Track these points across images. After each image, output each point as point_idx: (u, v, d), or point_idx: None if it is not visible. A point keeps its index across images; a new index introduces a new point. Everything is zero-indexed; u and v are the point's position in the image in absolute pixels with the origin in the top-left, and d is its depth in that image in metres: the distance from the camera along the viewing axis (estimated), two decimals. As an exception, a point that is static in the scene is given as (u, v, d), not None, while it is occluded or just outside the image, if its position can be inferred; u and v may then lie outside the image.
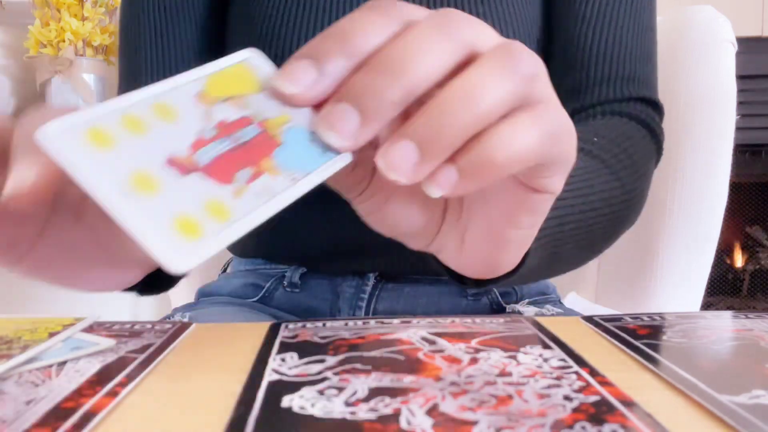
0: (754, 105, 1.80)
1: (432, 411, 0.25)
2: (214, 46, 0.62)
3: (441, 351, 0.32)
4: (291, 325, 0.37)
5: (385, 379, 0.28)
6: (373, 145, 0.28)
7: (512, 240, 0.33)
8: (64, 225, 0.31)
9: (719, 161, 0.75)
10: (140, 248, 0.22)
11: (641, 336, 0.35)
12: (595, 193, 0.48)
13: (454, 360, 0.31)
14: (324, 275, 0.65)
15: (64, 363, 0.31)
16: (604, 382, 0.28)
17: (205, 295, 0.68)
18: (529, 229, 0.33)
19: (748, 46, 1.25)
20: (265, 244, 0.68)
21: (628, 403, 0.25)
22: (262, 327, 0.37)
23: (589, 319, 0.39)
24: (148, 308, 1.90)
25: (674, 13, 0.78)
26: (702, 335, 0.35)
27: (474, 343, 0.33)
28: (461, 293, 0.63)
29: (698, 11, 0.76)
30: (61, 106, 0.32)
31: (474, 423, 0.24)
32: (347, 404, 0.25)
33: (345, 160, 0.29)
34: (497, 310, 0.63)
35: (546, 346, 0.33)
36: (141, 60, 0.59)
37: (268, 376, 0.29)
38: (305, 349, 0.32)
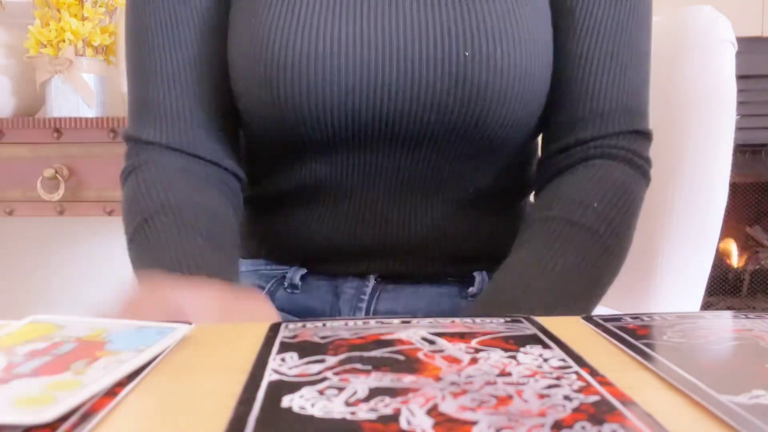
0: (754, 105, 1.80)
1: (432, 411, 0.25)
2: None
3: (441, 351, 0.32)
4: (291, 325, 0.37)
5: (385, 379, 0.28)
6: None
7: None
8: None
9: (719, 161, 0.75)
10: None
11: (641, 336, 0.35)
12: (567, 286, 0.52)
13: (454, 360, 0.31)
14: (324, 276, 0.65)
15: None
16: (604, 382, 0.28)
17: (205, 295, 0.68)
18: None
19: (748, 46, 1.25)
20: (266, 244, 0.68)
21: (628, 403, 0.25)
22: (262, 327, 0.37)
23: (589, 319, 0.39)
24: (148, 308, 1.90)
25: (674, 13, 0.78)
26: (702, 335, 0.35)
27: (474, 343, 0.33)
28: (461, 294, 0.63)
29: (698, 11, 0.76)
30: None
31: (474, 423, 0.24)
32: (347, 404, 0.25)
33: (184, 330, 0.35)
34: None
35: (546, 346, 0.33)
36: (152, 48, 0.60)
37: (268, 376, 0.29)
38: (305, 349, 0.32)
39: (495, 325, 0.37)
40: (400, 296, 0.63)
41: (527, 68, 0.56)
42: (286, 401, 0.26)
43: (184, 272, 0.50)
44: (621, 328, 0.37)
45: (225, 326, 0.40)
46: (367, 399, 0.26)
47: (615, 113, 0.59)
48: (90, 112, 1.40)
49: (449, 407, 0.25)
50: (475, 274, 0.63)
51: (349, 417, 0.24)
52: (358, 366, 0.30)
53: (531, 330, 0.36)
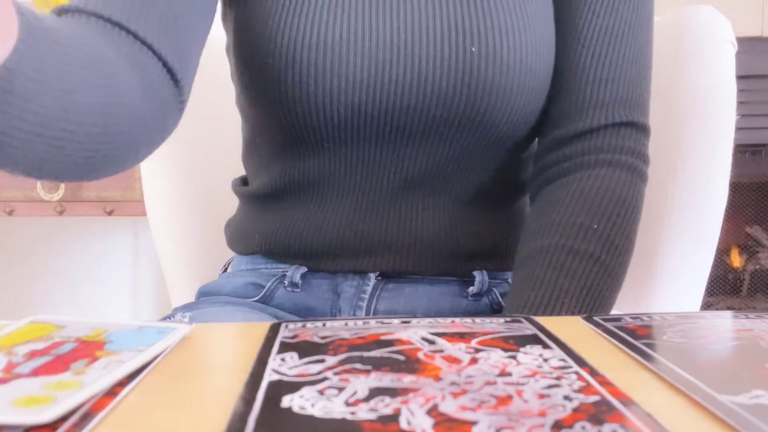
0: (754, 105, 1.80)
1: (432, 411, 0.25)
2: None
3: (441, 351, 0.32)
4: (291, 325, 0.37)
5: (385, 379, 0.28)
6: None
7: None
8: None
9: (719, 161, 0.75)
10: None
11: (641, 336, 0.35)
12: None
13: (454, 360, 0.31)
14: (324, 275, 0.65)
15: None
16: (604, 382, 0.28)
17: (205, 294, 0.68)
18: None
19: (748, 46, 1.25)
20: (266, 241, 0.68)
21: (628, 403, 0.25)
22: (262, 327, 0.37)
23: (589, 319, 0.39)
24: (148, 308, 1.90)
25: (674, 13, 0.78)
26: (702, 335, 0.35)
27: (474, 343, 0.33)
28: (461, 293, 0.64)
29: (698, 11, 0.76)
30: None
31: (474, 423, 0.24)
32: (347, 404, 0.25)
33: (185, 330, 0.35)
34: (497, 310, 0.63)
35: (546, 346, 0.33)
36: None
37: (268, 376, 0.29)
38: (305, 349, 0.32)
39: (495, 325, 0.37)
40: (401, 295, 0.63)
41: (532, 64, 0.57)
42: (286, 401, 0.26)
43: None
44: (621, 328, 0.37)
45: (225, 326, 0.40)
46: (367, 399, 0.26)
47: (612, 104, 0.59)
48: (90, 112, 1.40)
49: (449, 407, 0.25)
50: (475, 273, 0.63)
51: (349, 417, 0.24)
52: (358, 366, 0.30)
53: (531, 330, 0.36)
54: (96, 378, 0.28)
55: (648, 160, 0.61)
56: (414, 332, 0.35)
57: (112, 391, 0.28)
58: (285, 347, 0.33)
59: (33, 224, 1.84)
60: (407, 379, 0.28)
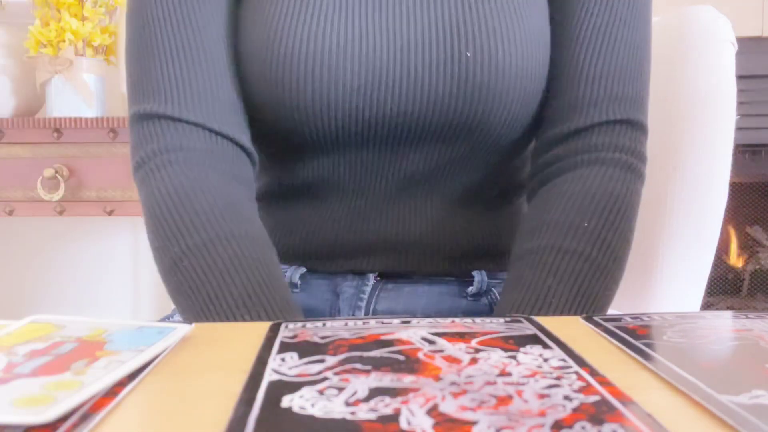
0: (754, 105, 1.80)
1: (432, 411, 0.25)
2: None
3: (441, 351, 0.32)
4: (291, 325, 0.37)
5: (385, 379, 0.28)
6: None
7: None
8: None
9: (719, 161, 0.75)
10: None
11: (641, 336, 0.35)
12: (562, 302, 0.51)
13: (454, 360, 0.31)
14: (324, 275, 0.65)
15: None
16: (604, 382, 0.28)
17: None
18: None
19: (748, 46, 1.25)
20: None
21: (628, 403, 0.25)
22: (262, 327, 0.37)
23: (589, 319, 0.39)
24: (148, 308, 1.90)
25: (674, 13, 0.78)
26: (702, 335, 0.35)
27: (474, 343, 0.33)
28: (461, 294, 0.64)
29: (698, 11, 0.76)
30: None
31: (474, 423, 0.24)
32: (347, 404, 0.25)
33: (185, 330, 0.35)
34: (496, 306, 0.63)
35: (546, 346, 0.33)
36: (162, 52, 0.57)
37: (268, 376, 0.29)
38: (305, 349, 0.32)
39: (495, 325, 0.37)
40: (400, 295, 0.63)
41: (528, 68, 0.57)
42: (286, 401, 0.26)
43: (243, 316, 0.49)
44: (621, 328, 0.37)
45: (225, 326, 0.40)
46: (367, 399, 0.26)
47: (606, 101, 0.58)
48: (90, 112, 1.41)
49: (449, 407, 0.25)
50: (474, 273, 0.63)
51: (349, 417, 0.24)
52: (358, 366, 0.30)
53: (531, 330, 0.36)
54: (96, 378, 0.28)
55: (645, 158, 0.60)
56: (414, 332, 0.35)
57: (112, 391, 0.28)
58: (285, 347, 0.33)
59: (33, 224, 1.83)
60: (407, 379, 0.28)
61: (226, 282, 0.50)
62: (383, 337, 0.34)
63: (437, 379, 0.28)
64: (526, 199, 0.64)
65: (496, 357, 0.31)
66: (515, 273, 0.55)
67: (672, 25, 0.76)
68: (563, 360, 0.31)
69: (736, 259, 2.12)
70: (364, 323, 0.37)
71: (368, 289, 0.63)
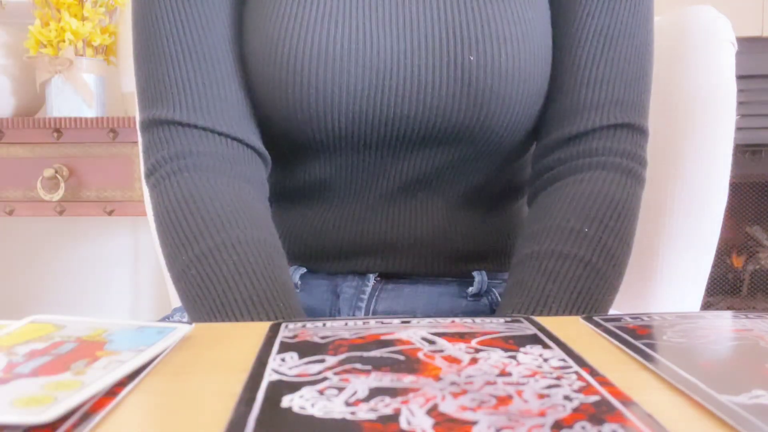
0: (754, 105, 1.80)
1: (432, 411, 0.25)
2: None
3: (441, 351, 0.32)
4: (291, 325, 0.37)
5: (385, 379, 0.28)
6: None
7: None
8: None
9: (719, 161, 0.75)
10: None
11: (641, 336, 0.35)
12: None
13: (454, 360, 0.31)
14: (324, 276, 0.65)
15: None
16: (604, 382, 0.28)
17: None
18: None
19: (748, 46, 1.25)
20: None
21: (628, 403, 0.25)
22: (262, 327, 0.37)
23: (589, 319, 0.39)
24: (148, 308, 1.90)
25: (674, 13, 0.78)
26: (702, 335, 0.35)
27: (474, 343, 0.33)
28: (461, 294, 0.64)
29: (698, 11, 0.76)
30: None
31: (474, 423, 0.24)
32: (347, 404, 0.25)
33: (185, 330, 0.35)
34: (496, 311, 0.63)
35: (546, 346, 0.33)
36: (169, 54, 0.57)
37: (268, 376, 0.29)
38: (305, 349, 0.32)
39: (495, 325, 0.37)
40: (400, 295, 0.63)
41: (530, 71, 0.57)
42: (286, 401, 0.26)
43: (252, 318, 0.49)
44: (621, 328, 0.37)
45: (225, 326, 0.40)
46: (367, 399, 0.26)
47: (607, 105, 0.58)
48: (90, 112, 1.41)
49: (449, 407, 0.25)
50: (475, 273, 0.63)
51: (349, 417, 0.24)
52: (358, 366, 0.30)
53: (531, 330, 0.36)
54: (96, 378, 0.28)
55: (645, 163, 0.60)
56: (414, 332, 0.35)
57: (112, 391, 0.28)
58: (285, 347, 0.33)
59: (33, 224, 1.83)
60: (407, 379, 0.28)
61: (231, 289, 0.50)
62: (383, 337, 0.34)
63: (437, 379, 0.28)
64: (527, 203, 0.64)
65: (496, 357, 0.31)
66: (516, 277, 0.55)
67: (672, 25, 0.76)
68: (563, 360, 0.31)
69: (736, 259, 2.12)
70: (364, 323, 0.37)
71: (368, 289, 0.63)
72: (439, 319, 0.38)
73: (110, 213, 1.40)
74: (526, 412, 0.25)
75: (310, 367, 0.30)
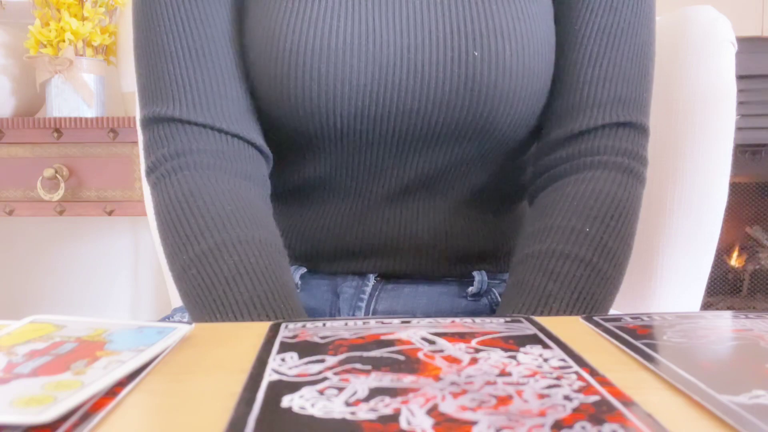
0: (754, 105, 1.80)
1: (432, 411, 0.25)
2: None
3: (441, 351, 0.32)
4: (291, 325, 0.37)
5: (385, 379, 0.28)
6: None
7: None
8: None
9: (719, 161, 0.75)
10: None
11: (641, 336, 0.35)
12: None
13: (454, 360, 0.31)
14: (324, 276, 0.65)
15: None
16: (604, 382, 0.28)
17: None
18: None
19: (748, 46, 1.25)
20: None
21: (628, 403, 0.25)
22: (262, 327, 0.37)
23: (589, 319, 0.39)
24: (148, 308, 1.90)
25: (674, 13, 0.78)
26: (702, 335, 0.35)
27: (474, 343, 0.33)
28: (461, 294, 0.64)
29: (698, 11, 0.76)
30: None
31: (474, 423, 0.24)
32: (347, 404, 0.25)
33: (185, 330, 0.35)
34: (497, 310, 0.63)
35: (546, 346, 0.33)
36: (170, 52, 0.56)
37: (268, 376, 0.29)
38: (305, 349, 0.32)
39: (495, 325, 0.37)
40: (400, 295, 0.63)
41: (534, 67, 0.57)
42: (286, 401, 0.26)
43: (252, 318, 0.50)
44: (621, 328, 0.37)
45: (225, 326, 0.40)
46: (367, 399, 0.26)
47: (609, 103, 0.58)
48: (90, 112, 1.41)
49: (449, 407, 0.25)
50: (475, 273, 0.63)
51: (349, 417, 0.24)
52: (358, 366, 0.30)
53: (531, 330, 0.36)
54: (96, 378, 0.28)
55: (646, 162, 0.60)
56: (414, 332, 0.35)
57: (112, 391, 0.28)
58: (285, 347, 0.33)
59: (33, 224, 1.84)
60: (407, 379, 0.28)
61: (231, 289, 0.50)
62: (383, 337, 0.34)
63: (437, 379, 0.28)
64: (528, 202, 0.64)
65: (496, 357, 0.31)
66: (516, 277, 0.55)
67: (672, 25, 0.76)
68: (563, 360, 0.31)
69: (736, 259, 2.12)
70: (364, 323, 0.37)
71: (368, 289, 0.63)
72: (439, 319, 0.38)
73: (110, 213, 1.40)
74: (526, 412, 0.25)
75: (310, 367, 0.30)
